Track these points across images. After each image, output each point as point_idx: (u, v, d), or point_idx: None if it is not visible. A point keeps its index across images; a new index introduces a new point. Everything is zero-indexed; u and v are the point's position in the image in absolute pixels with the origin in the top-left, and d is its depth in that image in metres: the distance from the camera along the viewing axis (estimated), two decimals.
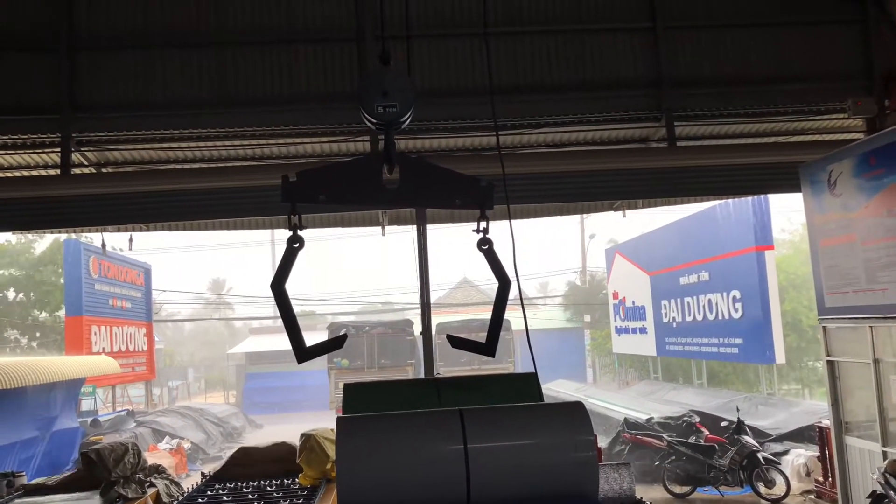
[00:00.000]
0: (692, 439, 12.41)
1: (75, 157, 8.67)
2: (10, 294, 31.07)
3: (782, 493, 11.05)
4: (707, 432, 12.60)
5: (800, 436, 12.79)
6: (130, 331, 22.30)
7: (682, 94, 8.71)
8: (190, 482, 6.60)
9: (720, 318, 18.01)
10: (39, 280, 30.46)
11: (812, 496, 10.92)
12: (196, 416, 22.00)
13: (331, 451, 5.86)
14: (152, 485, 6.55)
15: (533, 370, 3.37)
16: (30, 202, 8.31)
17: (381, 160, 3.40)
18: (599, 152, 9.23)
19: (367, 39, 8.36)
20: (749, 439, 11.67)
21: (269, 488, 5.95)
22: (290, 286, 3.20)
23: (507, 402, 3.00)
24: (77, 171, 8.84)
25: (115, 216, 8.72)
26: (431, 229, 9.30)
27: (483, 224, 3.40)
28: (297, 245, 3.21)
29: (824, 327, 8.76)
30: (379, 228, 11.14)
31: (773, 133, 9.55)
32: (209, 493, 5.89)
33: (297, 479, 6.02)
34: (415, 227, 8.99)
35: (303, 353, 3.11)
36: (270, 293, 3.16)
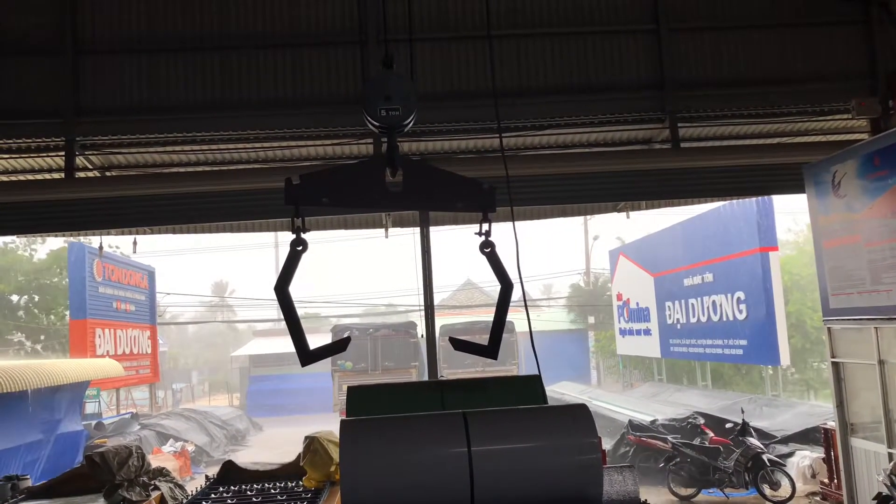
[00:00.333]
0: (697, 441, 12.39)
1: (79, 160, 8.69)
2: (14, 297, 31.14)
3: (787, 495, 11.03)
4: (712, 434, 12.58)
5: (805, 437, 12.76)
6: (134, 333, 22.34)
7: (686, 95, 8.70)
8: (194, 485, 6.60)
9: (724, 319, 17.97)
10: (43, 283, 30.54)
11: (817, 498, 10.89)
12: (200, 418, 22.02)
13: (335, 453, 5.86)
14: (156, 488, 6.56)
15: (537, 372, 3.38)
16: (34, 206, 8.33)
17: (383, 163, 3.41)
18: (603, 154, 9.22)
19: (371, 43, 8.37)
20: (754, 441, 11.65)
21: (272, 491, 5.96)
22: (294, 289, 3.20)
23: (511, 404, 3.00)
24: (81, 174, 8.86)
25: (119, 219, 8.73)
26: (435, 231, 9.30)
27: (485, 227, 3.40)
28: (300, 248, 3.22)
29: (829, 328, 8.74)
30: (382, 231, 11.15)
31: (776, 134, 9.54)
32: (213, 495, 5.90)
33: (300, 482, 6.02)
34: (418, 229, 8.99)
35: (307, 355, 3.12)
36: (274, 296, 3.17)
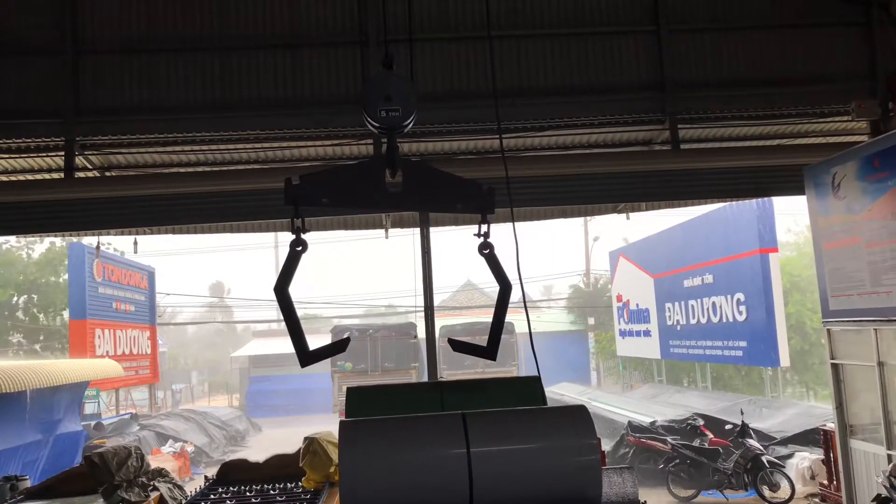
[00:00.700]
0: (696, 442, 12.39)
1: (79, 160, 8.68)
2: (14, 297, 31.14)
3: (787, 497, 11.02)
4: (711, 435, 12.58)
5: (804, 439, 12.76)
6: (134, 334, 22.33)
7: (686, 96, 8.70)
8: (193, 486, 6.60)
9: (724, 320, 17.98)
10: (41, 283, 30.53)
11: (817, 500, 10.89)
12: (199, 419, 22.02)
13: (334, 454, 5.86)
14: (155, 488, 6.55)
15: (536, 373, 3.37)
16: (33, 206, 8.33)
17: (383, 164, 3.41)
18: (603, 155, 9.22)
19: (371, 43, 8.38)
20: (753, 442, 11.65)
21: (272, 492, 5.95)
22: (294, 289, 3.20)
23: (511, 405, 3.00)
24: (81, 174, 8.86)
25: (119, 220, 8.73)
26: (435, 232, 9.30)
27: (484, 228, 3.41)
28: (300, 248, 3.22)
29: (829, 330, 8.74)
30: (382, 231, 11.15)
31: (776, 136, 9.54)
32: (212, 496, 5.89)
33: (300, 483, 6.02)
34: (418, 230, 8.99)
35: (306, 356, 3.12)
36: (273, 296, 3.16)
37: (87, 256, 19.52)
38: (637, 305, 23.61)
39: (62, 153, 8.47)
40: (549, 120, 8.71)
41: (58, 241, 29.86)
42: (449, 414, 2.82)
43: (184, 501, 6.29)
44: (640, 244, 23.77)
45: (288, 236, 3.27)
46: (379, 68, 3.77)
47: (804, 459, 11.92)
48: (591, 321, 36.87)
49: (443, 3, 8.58)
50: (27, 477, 7.31)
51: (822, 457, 10.88)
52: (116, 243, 24.24)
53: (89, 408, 21.04)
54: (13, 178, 9.10)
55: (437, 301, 9.46)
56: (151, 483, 6.59)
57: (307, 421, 23.41)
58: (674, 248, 20.79)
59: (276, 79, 8.47)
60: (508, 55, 8.59)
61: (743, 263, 16.98)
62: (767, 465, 11.28)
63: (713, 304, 18.45)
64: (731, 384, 22.53)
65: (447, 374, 20.76)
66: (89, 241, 18.97)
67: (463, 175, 3.53)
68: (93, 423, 17.95)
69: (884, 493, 6.88)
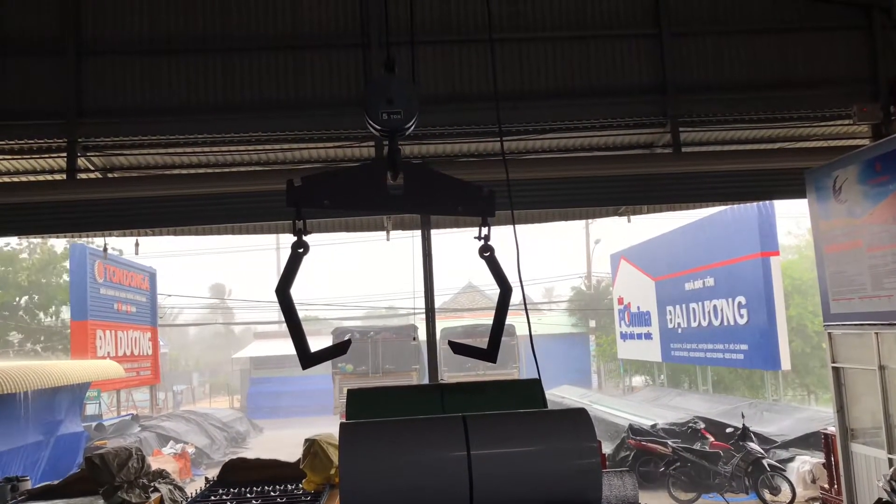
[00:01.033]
0: (697, 445, 12.38)
1: (81, 161, 8.70)
2: (15, 298, 31.16)
3: (788, 501, 11.01)
4: (712, 438, 12.58)
5: (805, 442, 12.74)
6: (135, 335, 22.34)
7: (688, 99, 8.71)
8: (194, 487, 6.60)
9: (725, 323, 17.96)
10: (42, 283, 30.55)
11: (818, 503, 10.86)
12: (200, 420, 22.01)
13: (335, 456, 5.86)
14: (156, 489, 6.56)
15: (537, 376, 3.38)
16: (35, 207, 8.34)
17: (385, 166, 3.42)
18: (604, 158, 9.22)
19: (373, 46, 8.38)
20: (754, 446, 11.64)
21: (272, 494, 5.95)
22: (295, 291, 3.21)
23: (511, 408, 3.00)
24: (83, 175, 8.88)
25: (121, 221, 8.74)
26: (436, 234, 9.32)
27: (485, 231, 3.41)
28: (301, 250, 3.22)
29: (830, 334, 8.73)
30: (383, 233, 11.16)
31: (778, 139, 9.54)
32: (213, 498, 5.89)
33: (300, 485, 6.02)
34: (419, 232, 9.00)
35: (307, 358, 3.12)
36: (275, 298, 3.17)
37: (88, 257, 19.54)
38: (638, 308, 23.60)
39: (64, 154, 8.48)
40: (551, 123, 8.72)
41: (61, 243, 29.91)
42: (449, 416, 2.82)
43: (184, 503, 6.29)
44: (642, 247, 23.76)
45: (289, 238, 3.28)
46: (381, 71, 3.78)
47: (805, 463, 11.91)
48: (593, 324, 36.83)
49: (444, 5, 8.59)
50: (28, 478, 7.32)
51: (823, 460, 10.86)
52: (117, 244, 24.27)
53: (90, 409, 21.05)
54: (15, 180, 9.11)
55: (438, 303, 9.47)
56: (152, 484, 6.59)
57: (308, 423, 23.42)
58: (675, 251, 20.78)
59: (277, 81, 8.48)
60: (510, 58, 8.60)
61: (744, 267, 16.97)
62: (768, 469, 11.27)
63: (714, 307, 18.44)
64: (732, 387, 22.50)
65: (448, 376, 20.74)
66: (98, 242, 19.02)
67: (464, 177, 3.53)
68: (94, 424, 17.96)
69: (885, 496, 6.87)
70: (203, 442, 20.16)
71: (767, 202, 15.63)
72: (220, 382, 43.97)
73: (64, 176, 8.56)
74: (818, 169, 8.52)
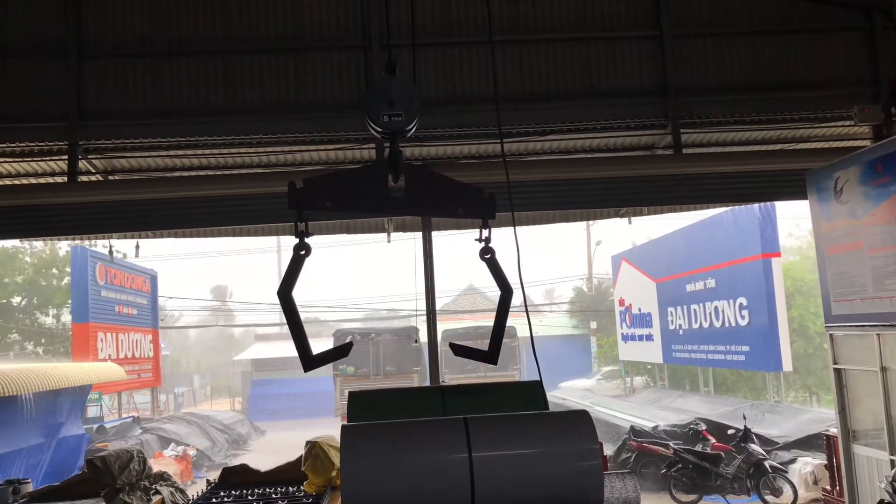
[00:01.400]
0: (699, 447, 12.37)
1: (82, 164, 8.71)
2: (15, 300, 31.18)
3: (789, 502, 11.00)
4: (714, 440, 12.56)
5: (807, 444, 12.73)
6: (136, 337, 22.35)
7: (688, 101, 8.71)
8: (195, 489, 6.60)
9: (727, 325, 17.95)
10: (42, 284, 30.56)
11: None
12: (201, 422, 22.02)
13: (336, 458, 5.85)
14: (157, 492, 6.55)
15: (538, 378, 3.37)
16: (36, 209, 8.34)
17: (386, 168, 3.42)
18: (605, 159, 9.22)
19: (374, 48, 8.39)
20: (756, 447, 11.63)
21: (273, 496, 5.95)
22: (296, 293, 3.20)
23: (512, 410, 3.00)
24: (84, 178, 8.88)
25: (122, 223, 8.75)
26: (437, 236, 9.32)
27: (485, 233, 3.41)
28: (303, 252, 3.22)
29: (831, 335, 8.72)
30: (384, 235, 11.16)
31: (779, 140, 9.54)
32: (214, 500, 5.89)
33: (301, 487, 6.01)
34: (420, 234, 9.00)
35: (309, 361, 3.12)
36: (276, 300, 3.17)
37: (89, 260, 19.55)
38: (639, 309, 23.59)
39: (66, 157, 8.50)
40: (551, 124, 8.73)
41: (64, 245, 29.94)
42: (451, 418, 2.82)
43: None
44: (643, 248, 23.75)
45: (290, 240, 3.27)
46: (381, 73, 3.78)
47: (807, 464, 11.89)
48: (594, 325, 36.83)
49: (445, 7, 8.60)
50: (29, 480, 7.32)
51: (825, 462, 10.85)
52: (118, 246, 24.29)
53: (92, 411, 21.05)
54: (17, 182, 9.12)
55: (439, 305, 9.47)
56: (154, 487, 6.59)
57: (309, 425, 23.41)
58: (676, 253, 20.78)
59: (279, 83, 8.49)
60: (510, 60, 8.60)
61: (745, 268, 16.96)
62: (770, 471, 11.25)
63: (715, 308, 18.43)
64: (733, 388, 22.48)
65: (449, 378, 20.75)
66: (100, 244, 19.03)
67: (465, 179, 3.53)
68: (95, 426, 17.96)
69: (887, 498, 6.86)
70: (204, 444, 20.15)
71: (768, 203, 15.63)
72: (222, 385, 43.98)
73: (65, 178, 8.57)
74: (819, 170, 8.51)
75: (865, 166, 7.79)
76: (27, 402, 12.60)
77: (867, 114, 8.41)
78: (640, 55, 8.76)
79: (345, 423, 2.88)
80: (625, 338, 25.37)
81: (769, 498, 11.15)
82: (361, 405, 3.13)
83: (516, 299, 3.43)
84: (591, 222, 33.01)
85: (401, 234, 11.05)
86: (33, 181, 9.15)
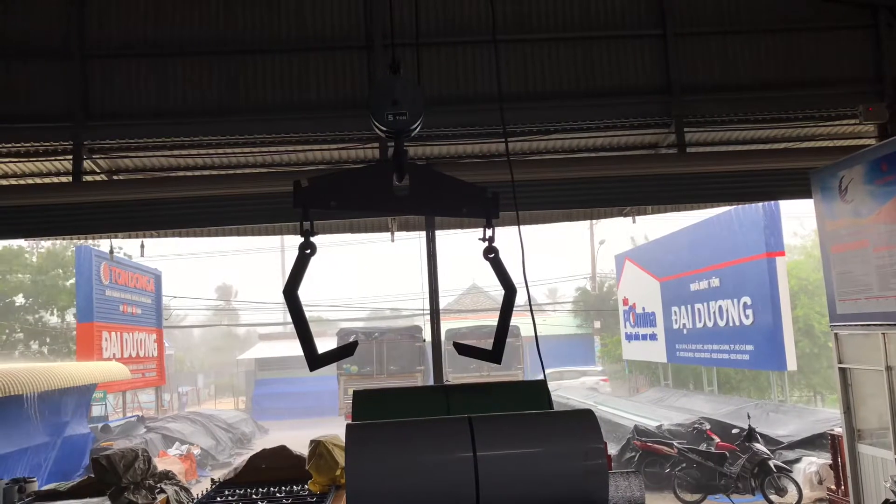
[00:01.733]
0: (703, 447, 12.35)
1: (87, 164, 8.72)
2: (20, 299, 31.23)
3: (794, 502, 10.98)
4: (718, 440, 12.54)
5: (812, 443, 12.70)
6: (141, 337, 22.39)
7: (692, 100, 8.69)
8: (199, 488, 6.62)
9: (731, 324, 17.92)
10: (46, 284, 30.62)
11: None
12: (206, 421, 22.03)
13: (340, 457, 5.86)
14: (162, 491, 6.57)
15: (542, 377, 3.37)
16: (41, 209, 8.36)
17: (390, 168, 3.42)
18: (609, 158, 9.21)
19: (378, 47, 8.39)
20: (760, 447, 11.60)
21: (278, 495, 5.96)
22: (300, 292, 3.21)
23: (516, 409, 3.00)
24: (88, 178, 8.90)
25: (126, 223, 8.77)
26: (441, 235, 9.31)
27: (489, 233, 3.41)
28: (308, 251, 3.23)
29: (836, 334, 8.71)
30: (388, 235, 11.16)
31: (783, 139, 9.51)
32: (219, 499, 5.91)
33: (306, 486, 6.02)
34: (424, 233, 9.00)
35: (315, 360, 3.12)
36: (280, 299, 3.18)
37: (94, 259, 19.60)
38: (643, 309, 23.56)
39: (70, 157, 8.51)
40: (555, 123, 8.72)
41: (67, 245, 29.97)
42: (455, 418, 2.82)
43: None
44: (647, 247, 23.72)
45: (294, 239, 3.28)
46: (385, 72, 3.78)
47: (812, 464, 11.87)
48: (597, 325, 36.79)
49: (449, 7, 8.59)
50: (35, 479, 7.34)
51: (830, 461, 10.83)
52: (124, 247, 24.34)
53: (96, 410, 21.09)
54: (21, 182, 9.14)
55: (442, 304, 9.47)
56: (158, 485, 6.61)
57: (313, 424, 23.41)
58: (680, 252, 20.75)
59: (283, 82, 8.49)
60: (514, 59, 8.59)
61: (749, 267, 16.93)
62: (775, 470, 11.23)
63: (720, 307, 18.40)
64: (738, 388, 22.45)
65: (453, 377, 20.74)
66: (105, 244, 19.05)
67: (469, 178, 3.54)
68: (100, 425, 17.99)
69: (892, 497, 6.85)
70: (208, 443, 20.18)
71: (773, 202, 15.60)
72: (226, 384, 44.01)
73: (70, 178, 8.59)
74: (824, 169, 8.49)
75: (870, 165, 7.77)
76: (32, 402, 12.63)
77: (872, 112, 8.39)
78: (644, 54, 8.74)
79: (349, 422, 2.89)
80: (629, 337, 25.35)
81: (774, 497, 11.13)
82: (366, 404, 3.14)
83: (520, 298, 3.43)
84: (594, 222, 32.98)
85: (404, 233, 11.06)
86: (38, 181, 9.17)
